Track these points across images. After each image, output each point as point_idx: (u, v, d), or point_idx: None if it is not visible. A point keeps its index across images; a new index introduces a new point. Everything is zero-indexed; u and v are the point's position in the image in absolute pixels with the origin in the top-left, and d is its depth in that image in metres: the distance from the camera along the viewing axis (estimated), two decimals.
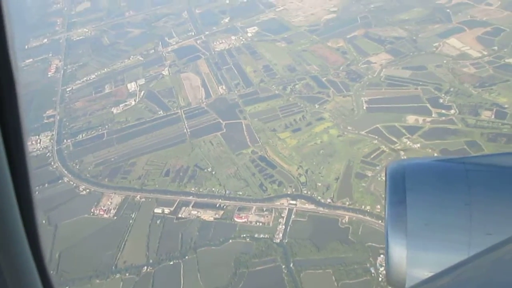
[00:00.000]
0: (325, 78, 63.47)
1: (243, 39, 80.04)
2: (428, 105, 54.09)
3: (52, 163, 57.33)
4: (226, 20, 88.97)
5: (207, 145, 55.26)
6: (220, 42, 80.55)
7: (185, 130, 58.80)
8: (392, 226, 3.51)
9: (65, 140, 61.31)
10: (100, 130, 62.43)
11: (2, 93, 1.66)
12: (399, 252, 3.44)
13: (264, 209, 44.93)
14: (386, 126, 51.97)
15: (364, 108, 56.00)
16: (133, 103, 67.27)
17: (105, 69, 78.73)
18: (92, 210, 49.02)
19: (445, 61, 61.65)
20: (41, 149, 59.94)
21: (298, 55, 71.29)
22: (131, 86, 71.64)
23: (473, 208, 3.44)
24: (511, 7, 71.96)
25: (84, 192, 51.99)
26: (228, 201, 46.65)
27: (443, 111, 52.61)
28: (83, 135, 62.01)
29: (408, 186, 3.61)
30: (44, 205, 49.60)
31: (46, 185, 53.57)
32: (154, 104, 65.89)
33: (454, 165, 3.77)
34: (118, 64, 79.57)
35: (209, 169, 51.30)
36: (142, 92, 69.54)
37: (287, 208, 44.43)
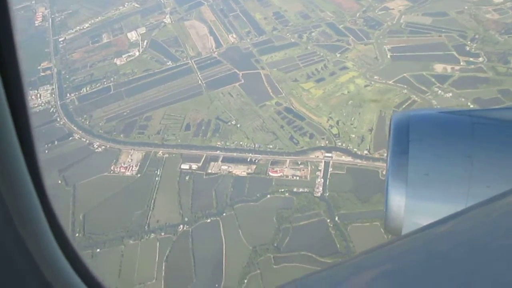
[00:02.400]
0: (342, 26, 60.56)
1: None
2: (454, 53, 52.43)
3: (58, 119, 53.51)
4: None
5: (226, 97, 52.41)
6: None
7: (199, 82, 55.50)
8: (393, 175, 3.48)
9: (68, 94, 57.09)
10: (105, 82, 58.32)
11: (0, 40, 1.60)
12: (398, 200, 3.45)
13: (299, 163, 43.23)
14: (414, 75, 50.24)
15: (388, 56, 53.89)
16: (137, 53, 62.88)
17: (99, 17, 73.07)
18: (111, 168, 46.20)
19: (466, 7, 59.56)
20: (42, 104, 55.79)
21: (309, 1, 67.60)
22: (132, 36, 66.83)
23: (475, 160, 3.41)
24: None
25: (100, 149, 48.88)
26: (259, 155, 44.65)
27: (471, 59, 51.09)
28: (87, 88, 57.84)
29: (412, 136, 3.57)
30: (57, 164, 46.43)
31: (56, 142, 50.11)
32: (161, 54, 61.77)
33: (460, 117, 3.73)
34: (112, 12, 73.94)
35: (233, 122, 48.81)
36: (145, 41, 64.99)
37: (323, 161, 42.84)
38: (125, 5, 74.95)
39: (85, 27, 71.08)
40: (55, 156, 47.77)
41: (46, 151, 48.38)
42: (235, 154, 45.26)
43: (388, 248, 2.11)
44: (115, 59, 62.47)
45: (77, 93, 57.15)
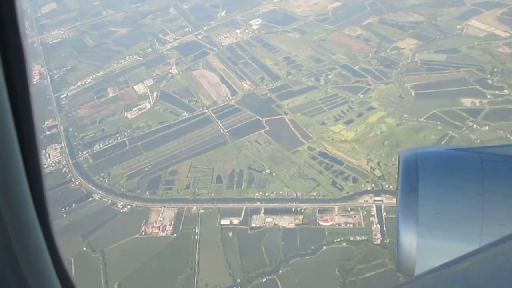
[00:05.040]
0: (357, 67, 60.25)
1: (250, 32, 75.17)
2: (478, 86, 52.36)
3: (73, 179, 49.77)
4: (223, 14, 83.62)
5: (254, 145, 50.12)
6: (225, 36, 75.17)
7: (221, 131, 53.18)
8: (403, 214, 3.45)
9: (80, 152, 53.72)
10: (118, 138, 55.30)
11: (16, 95, 1.66)
12: (409, 240, 3.42)
13: (349, 209, 40.72)
14: (444, 111, 49.55)
15: (413, 94, 53.33)
16: (148, 106, 60.48)
17: (100, 72, 70.93)
18: (142, 229, 42.44)
19: (475, 43, 60.51)
20: (53, 164, 52.19)
21: (318, 45, 67.62)
22: (139, 88, 64.65)
23: (486, 198, 3.39)
24: None
25: (125, 209, 45.17)
26: (304, 204, 41.96)
27: (496, 92, 51.03)
28: (100, 145, 54.60)
29: (421, 175, 3.56)
30: (79, 229, 42.70)
31: (74, 205, 46.32)
32: (174, 105, 59.56)
33: (469, 155, 3.71)
34: (114, 66, 72.01)
35: (267, 171, 46.27)
36: (155, 93, 62.86)
37: (374, 205, 40.52)
38: (127, 59, 73.28)
39: (87, 83, 68.61)
40: (76, 220, 43.93)
41: (64, 215, 44.40)
42: (277, 204, 42.47)
43: None
44: (126, 112, 59.83)
45: (89, 151, 53.76)
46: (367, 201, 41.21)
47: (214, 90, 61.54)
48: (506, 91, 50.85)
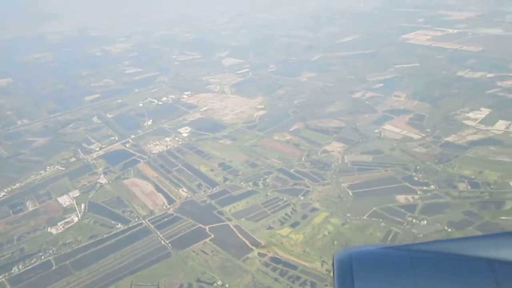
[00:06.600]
0: (292, 170, 61.89)
1: (180, 140, 75.06)
2: (407, 184, 55.99)
3: None
4: (150, 123, 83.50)
5: (201, 255, 47.00)
6: (155, 144, 74.13)
7: (163, 242, 49.53)
8: None
9: None
10: (42, 257, 48.92)
11: None
12: None
13: None
14: (383, 208, 51.64)
15: (351, 194, 55.29)
16: (76, 219, 55.25)
17: (17, 184, 64.70)
18: None
19: (395, 144, 66.13)
20: None
21: (250, 150, 69.11)
22: (64, 200, 59.47)
23: None
24: (418, 97, 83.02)
25: None
26: None
27: (424, 187, 54.82)
28: (20, 266, 47.52)
29: (356, 275, 3.71)
30: None
31: None
32: (106, 217, 55.07)
33: (399, 253, 3.98)
34: (33, 177, 66.39)
35: (219, 283, 43.01)
36: (82, 205, 58.06)
37: None
38: (47, 169, 68.22)
39: (0, 196, 61.51)
40: None
41: None
42: None
43: None
44: (49, 228, 53.99)
45: (7, 274, 46.35)
46: None
47: (149, 199, 58.50)
48: (432, 187, 54.82)
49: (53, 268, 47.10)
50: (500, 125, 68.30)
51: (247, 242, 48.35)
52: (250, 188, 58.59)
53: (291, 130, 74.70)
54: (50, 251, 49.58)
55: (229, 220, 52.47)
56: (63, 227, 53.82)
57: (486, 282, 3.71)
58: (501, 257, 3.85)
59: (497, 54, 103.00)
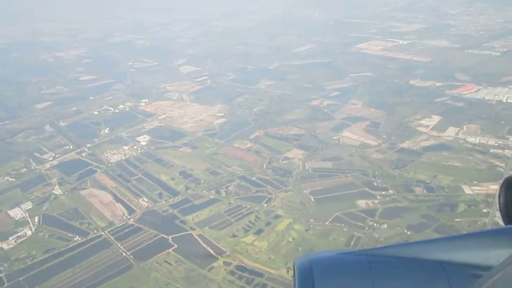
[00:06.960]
0: (254, 177, 61.95)
1: (139, 148, 73.36)
2: (367, 189, 57.43)
3: None
4: (106, 131, 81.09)
5: (165, 266, 45.91)
6: (112, 153, 72.02)
7: (124, 254, 48.02)
8: None
9: None
10: None
11: None
12: None
13: None
14: (345, 213, 52.64)
15: (313, 200, 56.00)
16: (29, 232, 52.60)
17: None
18: None
19: (354, 151, 67.80)
20: None
21: (211, 158, 68.58)
22: (15, 213, 56.53)
23: None
24: (373, 105, 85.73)
25: None
26: None
27: (383, 192, 56.45)
28: None
29: (316, 281, 3.85)
30: None
31: None
32: (62, 230, 52.79)
33: (358, 258, 4.14)
34: None
35: None
36: (36, 218, 55.42)
37: None
38: None
39: None
40: None
41: None
42: None
43: None
44: (0, 243, 50.74)
45: None
46: None
47: (108, 209, 56.60)
48: (391, 191, 56.53)
49: (5, 286, 44.43)
50: (451, 132, 71.68)
51: (212, 251, 47.74)
52: (212, 197, 58.05)
53: (251, 137, 74.87)
54: (1, 268, 46.77)
55: (193, 229, 51.68)
56: (15, 241, 51.01)
57: (440, 284, 3.85)
58: (454, 259, 4.02)
59: (444, 64, 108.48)
